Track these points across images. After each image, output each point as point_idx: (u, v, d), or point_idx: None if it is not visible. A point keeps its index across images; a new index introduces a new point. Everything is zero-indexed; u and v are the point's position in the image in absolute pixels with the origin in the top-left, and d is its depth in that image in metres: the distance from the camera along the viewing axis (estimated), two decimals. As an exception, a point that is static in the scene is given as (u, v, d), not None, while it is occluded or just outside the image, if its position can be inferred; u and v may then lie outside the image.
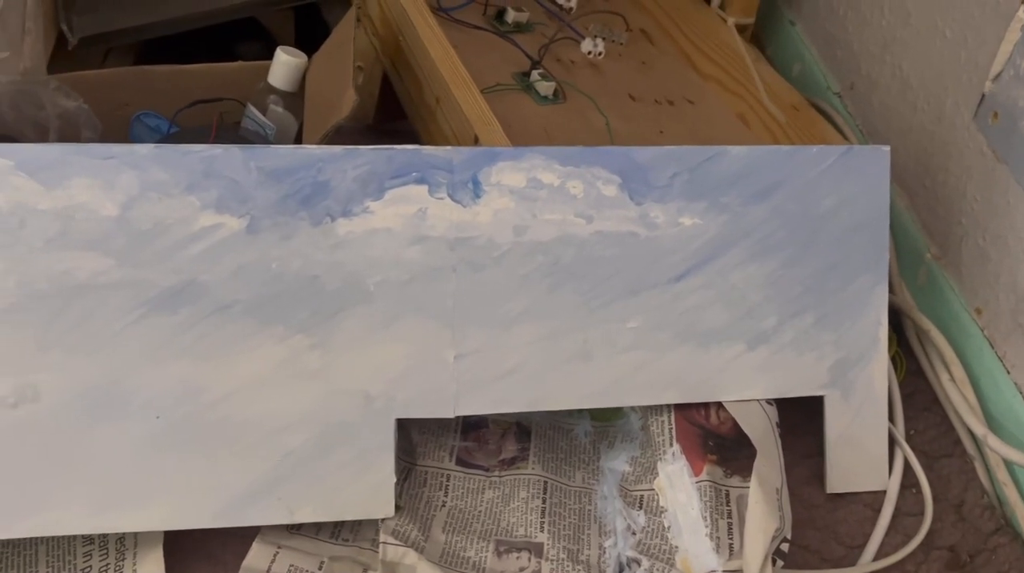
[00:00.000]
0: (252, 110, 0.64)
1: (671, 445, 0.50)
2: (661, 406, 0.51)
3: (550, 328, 0.49)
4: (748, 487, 0.48)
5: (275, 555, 0.48)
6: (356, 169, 0.47)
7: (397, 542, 0.47)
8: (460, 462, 0.53)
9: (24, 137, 0.62)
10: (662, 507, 0.49)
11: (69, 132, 0.61)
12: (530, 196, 0.49)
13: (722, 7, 0.82)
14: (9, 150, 0.44)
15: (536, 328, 0.49)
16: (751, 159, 0.51)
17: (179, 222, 0.46)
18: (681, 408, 0.51)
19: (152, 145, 0.46)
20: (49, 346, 0.45)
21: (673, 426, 0.51)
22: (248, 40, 0.82)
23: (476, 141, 0.52)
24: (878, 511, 0.55)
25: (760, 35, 0.87)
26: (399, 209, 0.48)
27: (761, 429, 0.49)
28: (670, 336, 0.50)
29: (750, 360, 0.51)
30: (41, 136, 0.62)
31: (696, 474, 0.48)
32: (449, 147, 0.48)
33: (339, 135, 0.56)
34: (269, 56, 0.80)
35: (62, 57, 0.73)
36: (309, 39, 0.84)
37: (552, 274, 0.49)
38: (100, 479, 0.46)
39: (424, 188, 0.48)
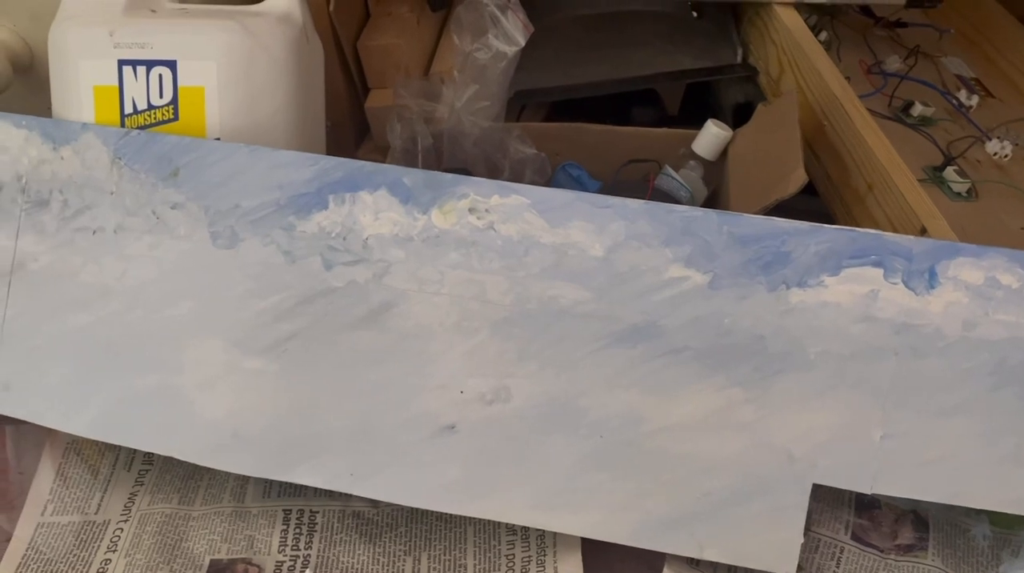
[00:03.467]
0: (671, 172, 0.71)
1: (1099, 570, 0.48)
2: (1088, 528, 0.50)
3: (984, 426, 0.50)
4: None
5: (683, 584, 0.52)
6: (818, 245, 0.51)
7: (798, 600, 0.50)
8: (855, 538, 0.54)
9: (476, 172, 0.73)
10: (1085, 632, 0.47)
11: (518, 174, 0.71)
12: (985, 294, 0.50)
13: None
14: (527, 191, 0.53)
15: (969, 423, 0.50)
16: None
17: (652, 270, 0.52)
18: (1114, 534, 0.49)
19: (642, 201, 0.52)
20: (527, 357, 0.52)
21: (1102, 551, 0.49)
22: (643, 105, 0.90)
23: (923, 232, 0.54)
24: None
25: None
26: (852, 287, 0.51)
27: None
28: (1116, 459, 0.49)
29: None
30: (493, 174, 0.72)
31: None
32: (910, 236, 0.50)
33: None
34: (660, 124, 0.87)
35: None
36: (692, 110, 0.90)
37: (996, 374, 0.50)
38: (542, 480, 0.52)
39: (880, 271, 0.50)
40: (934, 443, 0.50)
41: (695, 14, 0.80)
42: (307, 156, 0.54)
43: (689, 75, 0.81)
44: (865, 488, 0.50)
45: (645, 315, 0.52)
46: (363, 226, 0.54)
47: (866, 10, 0.92)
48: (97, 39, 0.59)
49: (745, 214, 0.51)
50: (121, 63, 0.58)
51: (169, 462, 0.58)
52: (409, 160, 0.70)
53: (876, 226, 0.59)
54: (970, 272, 0.50)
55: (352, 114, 0.81)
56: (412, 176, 0.53)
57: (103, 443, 0.59)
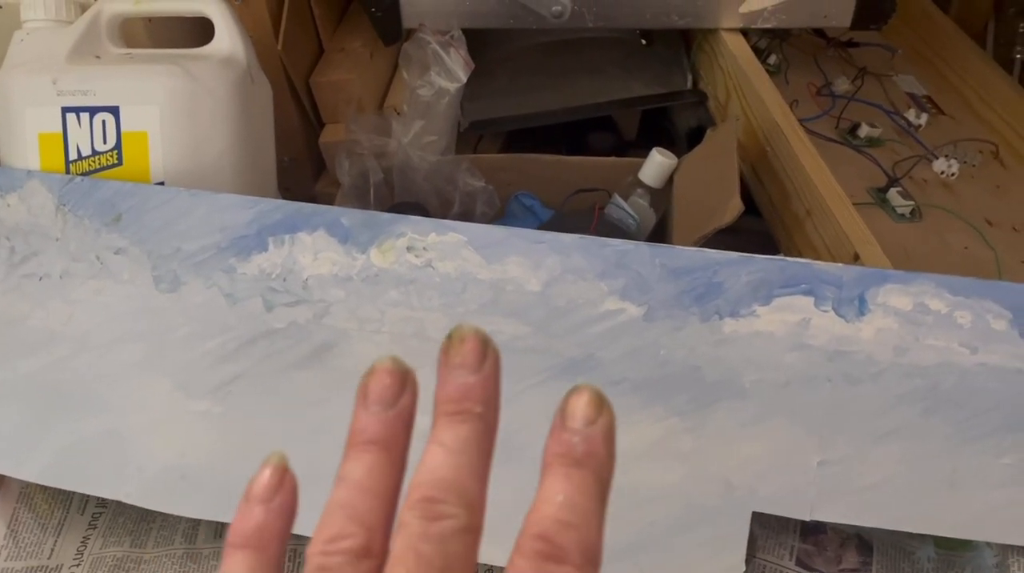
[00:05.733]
0: (619, 200, 0.72)
1: (1036, 592, 0.49)
2: (1026, 548, 0.50)
3: (918, 451, 0.50)
4: None
5: (627, 615, 0.52)
6: (749, 275, 0.51)
7: (741, 629, 0.50)
8: (800, 563, 0.55)
9: (429, 206, 0.73)
10: (1023, 654, 0.48)
11: (468, 207, 0.71)
12: (915, 320, 0.50)
13: (1092, 136, 0.79)
14: (464, 228, 0.53)
15: (904, 448, 0.50)
16: None
17: (588, 303, 0.53)
18: (1050, 555, 0.49)
19: (577, 235, 0.53)
20: (468, 394, 0.53)
21: (1039, 572, 0.49)
22: (599, 131, 0.91)
23: (856, 259, 0.55)
24: None
25: None
26: (784, 316, 0.51)
27: None
28: (1048, 479, 0.49)
29: None
30: (444, 207, 0.73)
31: (1068, 628, 0.47)
32: (839, 264, 0.51)
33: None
34: (617, 149, 0.88)
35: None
36: (649, 135, 0.91)
37: (928, 398, 0.50)
38: (487, 515, 0.53)
39: (810, 300, 0.51)
40: (871, 469, 0.50)
41: (644, 41, 0.81)
42: (247, 199, 0.55)
43: (641, 101, 0.82)
44: (804, 515, 0.51)
45: (582, 348, 0.52)
46: (303, 267, 0.54)
47: (818, 31, 0.93)
48: (41, 87, 0.59)
49: (677, 246, 0.52)
50: (64, 110, 0.59)
51: (122, 505, 0.58)
52: (360, 196, 0.70)
53: (815, 251, 0.60)
54: (899, 298, 0.51)
55: (309, 149, 0.82)
56: (350, 216, 0.54)
57: (56, 488, 0.59)
